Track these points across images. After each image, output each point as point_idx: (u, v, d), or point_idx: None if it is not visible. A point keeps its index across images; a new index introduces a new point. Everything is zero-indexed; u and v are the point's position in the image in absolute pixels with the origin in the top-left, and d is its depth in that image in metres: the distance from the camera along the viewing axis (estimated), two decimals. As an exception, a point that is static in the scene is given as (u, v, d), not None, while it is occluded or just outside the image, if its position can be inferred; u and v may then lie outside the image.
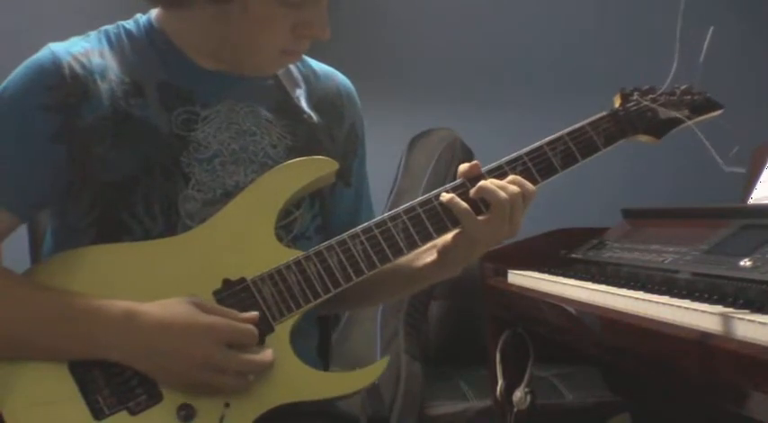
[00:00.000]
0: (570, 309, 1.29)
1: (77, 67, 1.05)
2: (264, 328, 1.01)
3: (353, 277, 1.04)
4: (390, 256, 1.05)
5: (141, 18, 1.13)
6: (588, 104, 3.44)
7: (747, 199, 1.62)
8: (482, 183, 1.05)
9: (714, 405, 1.21)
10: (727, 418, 1.11)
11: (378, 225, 1.05)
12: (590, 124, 1.11)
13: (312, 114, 1.16)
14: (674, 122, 1.15)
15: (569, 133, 1.10)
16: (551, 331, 1.49)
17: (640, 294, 1.17)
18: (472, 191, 1.06)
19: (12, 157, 1.04)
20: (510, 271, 1.62)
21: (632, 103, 1.15)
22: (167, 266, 1.03)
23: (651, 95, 1.17)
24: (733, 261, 1.19)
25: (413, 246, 1.05)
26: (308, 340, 1.15)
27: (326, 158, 1.10)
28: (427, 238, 1.06)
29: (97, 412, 0.98)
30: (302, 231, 1.12)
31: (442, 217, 1.05)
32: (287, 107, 1.15)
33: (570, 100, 3.09)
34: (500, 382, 1.66)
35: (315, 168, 1.09)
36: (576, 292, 1.33)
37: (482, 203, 1.05)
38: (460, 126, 2.37)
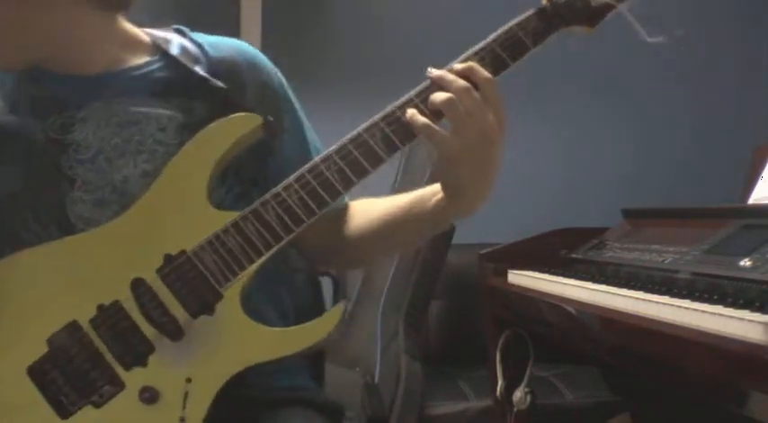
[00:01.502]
0: (570, 309, 1.29)
1: None
2: (213, 296, 1.00)
3: (294, 228, 1.01)
4: (328, 199, 1.01)
5: None
6: (588, 103, 3.44)
7: (747, 199, 1.62)
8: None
9: (714, 405, 1.21)
10: (728, 418, 1.12)
11: (310, 170, 1.02)
12: (517, 25, 1.05)
13: (218, 82, 1.12)
14: (607, 8, 1.10)
15: (495, 39, 1.04)
16: (551, 331, 1.49)
17: (640, 294, 1.17)
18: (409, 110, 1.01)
19: None
20: (510, 271, 1.62)
21: None
22: (107, 254, 1.02)
23: None
24: (733, 261, 1.19)
25: (349, 184, 1.02)
26: (276, 303, 1.14)
27: (246, 115, 1.07)
28: (362, 173, 1.01)
29: (63, 412, 0.97)
30: (219, 203, 1.08)
31: (375, 149, 1.01)
32: (181, 85, 1.11)
33: (570, 98, 3.11)
34: (500, 382, 1.66)
35: (236, 127, 1.06)
36: (576, 292, 1.34)
37: (435, 115, 1.00)
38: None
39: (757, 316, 0.93)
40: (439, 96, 0.99)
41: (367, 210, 1.17)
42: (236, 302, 1.01)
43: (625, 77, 3.08)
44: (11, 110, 1.08)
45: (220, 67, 1.14)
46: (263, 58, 1.19)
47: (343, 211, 1.18)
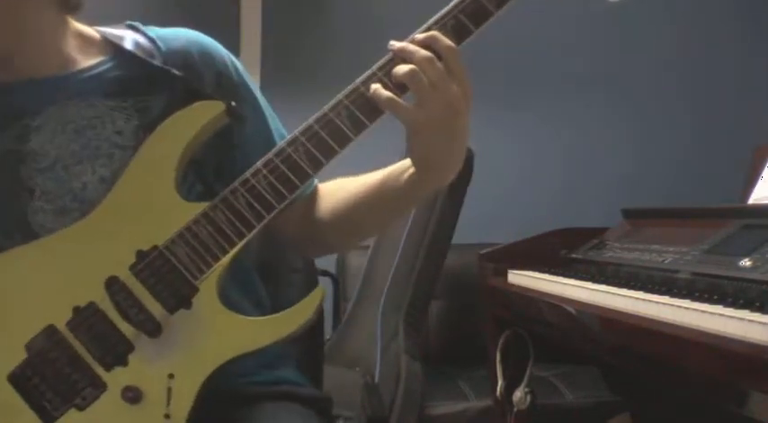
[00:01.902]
0: (570, 309, 1.29)
1: None
2: (189, 290, 0.99)
3: (265, 214, 1.00)
4: (297, 182, 1.00)
5: None
6: (588, 103, 3.43)
7: (747, 199, 1.62)
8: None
9: (714, 405, 1.21)
10: (728, 418, 1.12)
11: (278, 154, 1.00)
12: None
13: (176, 71, 1.10)
14: None
15: (457, 5, 1.00)
16: (551, 331, 1.50)
17: (640, 294, 1.17)
18: (373, 86, 1.00)
19: None
20: (510, 271, 1.62)
21: None
22: (79, 254, 1.01)
23: None
24: (733, 261, 1.19)
25: (318, 166, 1.00)
26: (249, 292, 1.13)
27: (207, 102, 1.05)
28: (331, 153, 1.00)
29: (47, 417, 0.97)
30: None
31: (341, 128, 1.00)
32: (136, 82, 1.09)
33: (570, 98, 3.11)
34: (500, 382, 1.66)
35: (198, 115, 1.04)
36: (575, 292, 1.34)
37: (399, 89, 0.99)
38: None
39: (757, 316, 0.93)
40: (401, 69, 0.97)
41: (339, 189, 1.15)
42: (213, 294, 0.99)
43: (625, 77, 3.08)
44: None
45: (175, 59, 1.11)
46: (216, 47, 1.15)
47: (314, 195, 1.16)
